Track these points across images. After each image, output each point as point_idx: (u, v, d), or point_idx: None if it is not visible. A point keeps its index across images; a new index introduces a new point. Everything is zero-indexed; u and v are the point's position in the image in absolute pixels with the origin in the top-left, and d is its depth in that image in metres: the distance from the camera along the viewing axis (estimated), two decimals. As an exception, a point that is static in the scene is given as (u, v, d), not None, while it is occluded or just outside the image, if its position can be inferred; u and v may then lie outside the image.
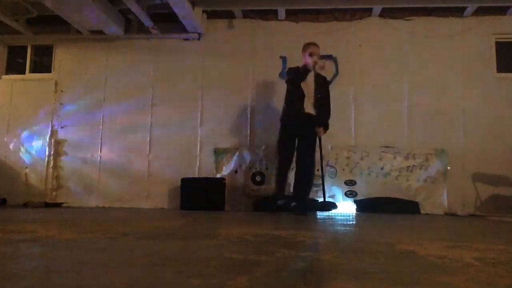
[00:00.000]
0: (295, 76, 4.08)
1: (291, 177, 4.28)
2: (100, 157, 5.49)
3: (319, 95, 4.12)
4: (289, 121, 4.14)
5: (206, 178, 5.06)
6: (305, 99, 4.09)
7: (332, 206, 4.21)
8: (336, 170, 4.95)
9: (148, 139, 5.44)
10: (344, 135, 5.14)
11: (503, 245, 1.99)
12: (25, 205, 5.17)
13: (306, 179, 4.10)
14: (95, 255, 1.51)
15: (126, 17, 5.46)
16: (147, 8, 5.05)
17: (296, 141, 4.15)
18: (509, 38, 5.26)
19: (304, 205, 4.02)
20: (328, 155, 4.85)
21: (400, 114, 5.20)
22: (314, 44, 4.19)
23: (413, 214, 4.66)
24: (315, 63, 4.05)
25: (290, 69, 4.30)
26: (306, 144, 4.06)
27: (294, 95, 4.11)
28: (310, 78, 4.15)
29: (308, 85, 4.12)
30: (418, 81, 5.22)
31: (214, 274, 1.16)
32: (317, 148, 4.21)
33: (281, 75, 5.23)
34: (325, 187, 4.37)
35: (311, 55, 4.09)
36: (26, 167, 5.57)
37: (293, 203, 4.10)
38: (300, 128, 4.07)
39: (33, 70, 5.85)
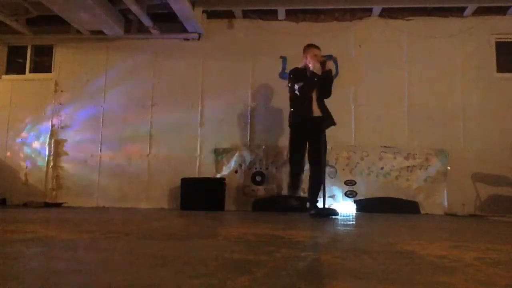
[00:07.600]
0: (307, 87, 3.91)
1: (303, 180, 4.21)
2: (100, 157, 5.49)
3: (322, 96, 4.03)
4: (299, 126, 4.04)
5: (206, 178, 5.07)
6: (312, 102, 4.00)
7: (333, 212, 4.05)
8: (336, 170, 4.96)
9: (148, 139, 5.44)
10: (344, 135, 5.13)
11: (503, 245, 1.99)
12: (25, 205, 5.17)
13: (321, 181, 3.98)
14: (95, 255, 1.51)
15: (126, 17, 5.46)
16: (147, 8, 5.06)
17: (307, 144, 4.06)
18: (509, 38, 5.26)
19: (323, 209, 3.89)
20: (328, 155, 4.83)
21: (400, 114, 5.20)
22: (316, 46, 4.10)
23: (413, 214, 4.66)
24: (323, 63, 3.93)
25: (295, 73, 4.06)
26: (318, 147, 3.92)
27: (303, 100, 4.00)
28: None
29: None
30: (418, 81, 5.22)
31: (214, 274, 1.16)
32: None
33: (281, 75, 5.23)
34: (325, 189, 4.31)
35: (315, 57, 3.94)
36: (26, 167, 5.57)
37: (308, 204, 4.02)
38: (310, 132, 3.95)
39: (33, 70, 5.85)
